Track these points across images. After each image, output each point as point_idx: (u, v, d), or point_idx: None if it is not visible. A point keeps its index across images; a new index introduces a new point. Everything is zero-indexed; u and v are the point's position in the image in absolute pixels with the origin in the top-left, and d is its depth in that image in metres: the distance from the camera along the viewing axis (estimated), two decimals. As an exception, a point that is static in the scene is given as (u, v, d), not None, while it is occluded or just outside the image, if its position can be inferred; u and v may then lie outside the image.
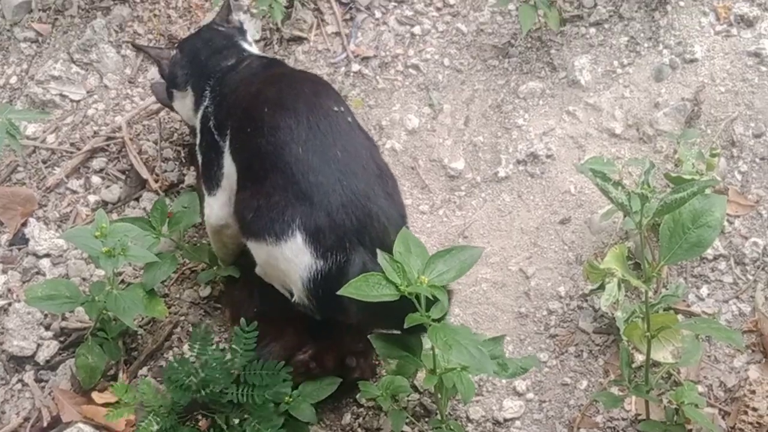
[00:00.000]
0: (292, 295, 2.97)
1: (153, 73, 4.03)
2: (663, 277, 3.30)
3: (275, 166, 2.90)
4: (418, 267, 2.59)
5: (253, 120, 3.03)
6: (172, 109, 3.71)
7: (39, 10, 4.28)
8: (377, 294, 2.54)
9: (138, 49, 3.95)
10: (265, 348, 3.04)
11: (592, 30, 3.85)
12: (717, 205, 2.68)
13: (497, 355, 2.91)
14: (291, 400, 2.99)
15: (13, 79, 4.15)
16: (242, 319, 2.95)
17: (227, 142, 3.16)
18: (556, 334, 3.31)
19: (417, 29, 4.01)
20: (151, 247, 3.24)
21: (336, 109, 3.01)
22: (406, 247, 2.63)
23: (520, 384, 3.22)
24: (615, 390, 3.08)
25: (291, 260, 2.84)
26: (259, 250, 2.95)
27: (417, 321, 2.56)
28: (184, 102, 3.53)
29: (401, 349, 2.85)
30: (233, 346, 2.97)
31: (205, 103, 3.36)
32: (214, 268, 3.41)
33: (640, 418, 3.10)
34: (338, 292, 2.58)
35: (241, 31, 3.63)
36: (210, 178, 3.27)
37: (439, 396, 2.92)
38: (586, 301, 3.34)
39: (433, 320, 2.58)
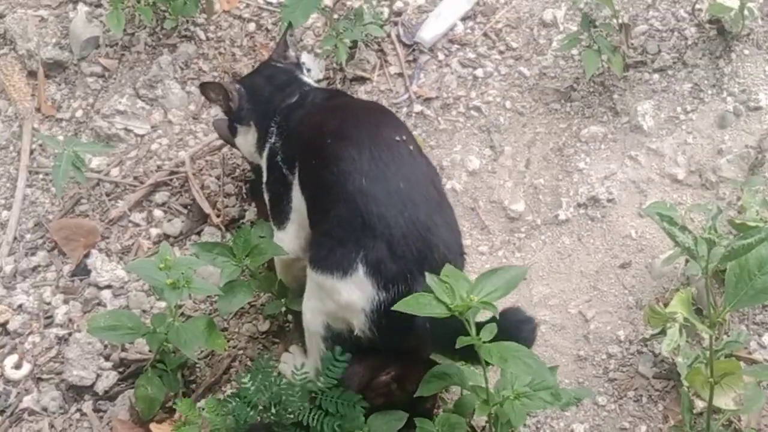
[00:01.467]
0: (351, 330, 2.97)
1: (216, 109, 4.07)
2: (725, 323, 3.28)
3: (338, 197, 2.91)
4: (467, 288, 2.59)
5: (317, 151, 3.06)
6: (233, 145, 3.74)
7: (106, 45, 4.35)
8: (428, 312, 2.55)
9: (206, 87, 3.93)
10: (349, 368, 3.03)
11: (656, 76, 3.85)
12: (784, 253, 2.66)
13: (550, 385, 2.90)
14: None
15: (79, 113, 4.22)
16: (338, 347, 2.95)
17: (296, 176, 3.19)
18: (615, 378, 3.29)
19: (479, 72, 4.03)
20: (231, 275, 3.24)
21: (398, 138, 3.03)
22: (452, 275, 2.63)
23: (578, 427, 3.19)
24: (675, 436, 3.06)
25: (353, 293, 2.86)
26: (324, 283, 2.95)
27: (468, 342, 2.55)
28: (247, 137, 3.56)
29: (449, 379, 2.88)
30: (320, 367, 2.98)
31: (272, 140, 3.39)
32: (282, 300, 3.41)
33: (700, 465, 3.07)
34: (393, 307, 2.60)
35: (299, 67, 3.67)
36: (279, 213, 3.30)
37: (493, 430, 2.91)
38: (646, 345, 3.32)
39: (484, 342, 2.58)
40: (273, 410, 2.96)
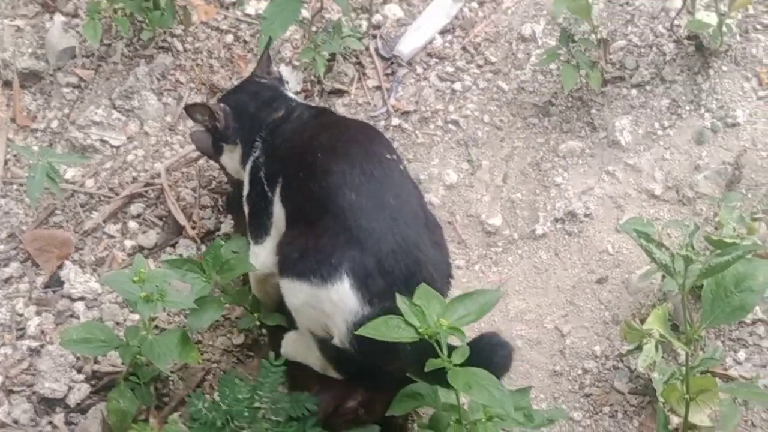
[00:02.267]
0: (331, 337, 2.94)
1: (192, 122, 4.05)
2: (701, 340, 3.27)
3: (327, 209, 2.90)
4: (438, 311, 2.57)
5: (307, 165, 3.04)
6: (211, 157, 3.72)
7: (82, 56, 4.32)
8: (396, 336, 2.53)
9: (191, 109, 3.89)
10: (314, 397, 3.02)
11: (634, 91, 3.85)
12: (761, 270, 2.67)
13: (523, 406, 2.89)
14: None
15: (54, 123, 4.19)
16: (271, 353, 2.94)
17: (277, 190, 3.18)
18: (591, 394, 3.28)
19: (458, 85, 4.03)
20: (202, 291, 3.22)
21: (389, 156, 3.03)
22: (426, 297, 2.62)
23: (554, 443, 3.19)
24: (650, 452, 3.05)
25: (337, 304, 2.83)
26: (298, 290, 2.92)
27: (438, 365, 2.52)
28: (233, 156, 3.54)
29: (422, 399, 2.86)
30: (259, 379, 2.97)
31: (256, 154, 3.37)
32: (255, 314, 3.37)
33: (675, 482, 3.06)
34: (356, 332, 2.59)
35: (281, 81, 3.66)
36: (258, 227, 3.28)
37: (467, 450, 2.90)
38: (622, 361, 3.31)
39: (455, 365, 2.55)
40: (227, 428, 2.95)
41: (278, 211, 3.17)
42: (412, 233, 2.85)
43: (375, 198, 2.87)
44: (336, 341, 2.91)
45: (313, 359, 3.13)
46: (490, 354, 2.66)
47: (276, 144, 3.32)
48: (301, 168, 3.07)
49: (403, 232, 2.83)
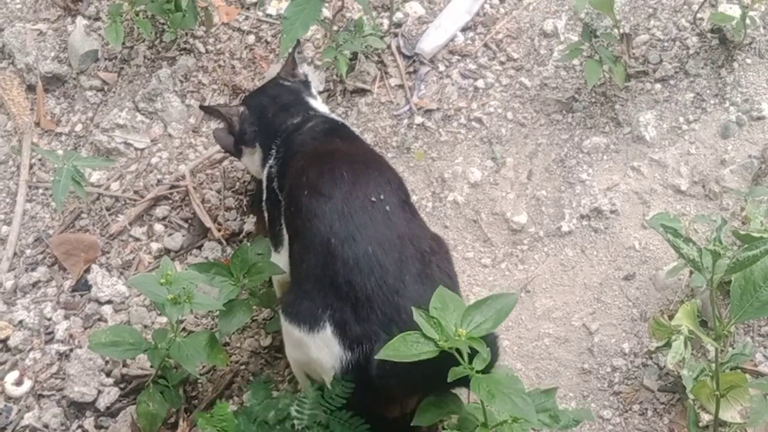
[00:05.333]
0: (323, 383, 2.97)
1: (216, 122, 4.06)
2: (730, 335, 3.26)
3: (309, 252, 2.92)
4: (455, 320, 2.57)
5: (295, 200, 3.06)
6: (234, 155, 3.73)
7: (105, 59, 4.34)
8: (416, 353, 2.52)
9: (206, 111, 3.94)
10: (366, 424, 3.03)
11: (658, 86, 3.83)
12: (790, 264, 2.64)
13: (549, 408, 2.88)
14: None
15: (78, 127, 4.20)
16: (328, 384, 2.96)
17: (283, 209, 3.20)
18: (620, 392, 3.26)
19: (480, 83, 4.01)
20: (230, 294, 3.23)
21: (374, 198, 2.97)
22: (443, 303, 2.60)
23: (583, 442, 3.18)
24: (681, 449, 3.04)
25: (322, 349, 2.85)
26: (291, 331, 2.96)
27: (460, 374, 2.52)
28: (253, 158, 3.56)
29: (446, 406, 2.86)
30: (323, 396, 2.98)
31: (270, 162, 3.39)
32: (283, 317, 3.38)
33: (706, 478, 3.05)
34: (376, 356, 2.60)
35: (306, 85, 3.67)
36: (274, 236, 3.30)
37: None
38: (651, 358, 3.30)
39: (477, 372, 2.55)
40: (278, 428, 2.95)
41: (284, 229, 3.19)
42: (390, 279, 2.82)
43: (353, 246, 2.85)
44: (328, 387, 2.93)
45: None
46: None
47: (286, 157, 3.33)
48: (292, 202, 3.09)
49: (381, 279, 2.81)
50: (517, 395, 2.50)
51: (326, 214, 2.90)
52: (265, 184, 3.42)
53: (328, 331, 2.82)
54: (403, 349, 2.52)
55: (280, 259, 3.26)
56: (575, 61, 3.96)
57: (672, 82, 3.84)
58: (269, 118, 3.52)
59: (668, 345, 3.18)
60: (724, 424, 2.96)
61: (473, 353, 2.54)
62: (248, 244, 3.56)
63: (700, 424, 3.03)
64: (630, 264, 3.50)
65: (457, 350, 2.52)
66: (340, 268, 2.83)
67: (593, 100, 3.89)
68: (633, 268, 3.48)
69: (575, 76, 3.96)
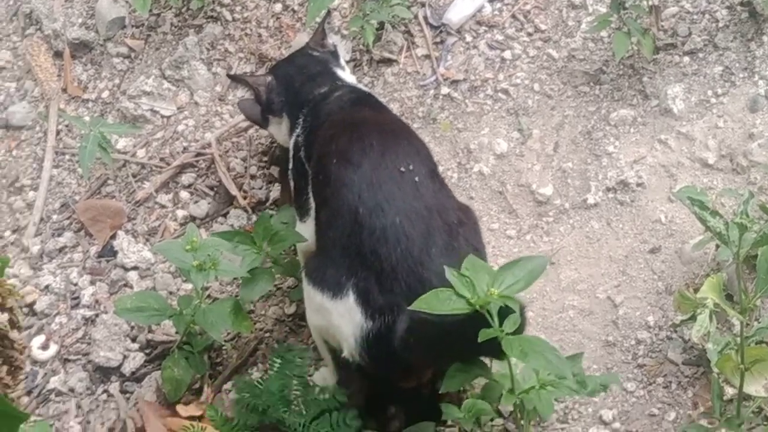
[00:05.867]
0: (341, 350, 2.99)
1: (242, 90, 4.06)
2: (756, 309, 3.25)
3: (337, 220, 2.93)
4: (487, 281, 2.56)
5: (323, 168, 3.06)
6: (260, 125, 3.74)
7: (132, 26, 4.34)
8: (448, 308, 2.52)
9: (233, 79, 3.97)
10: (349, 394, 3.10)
11: (686, 59, 3.81)
12: (817, 238, 2.63)
13: (576, 373, 2.89)
14: None
15: (105, 94, 4.21)
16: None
17: (310, 177, 3.20)
18: (644, 364, 3.26)
19: (507, 54, 3.99)
20: (253, 262, 3.25)
21: (403, 168, 2.98)
22: (473, 267, 2.60)
23: (607, 413, 3.17)
24: (704, 422, 3.03)
25: (344, 316, 2.87)
26: (313, 295, 2.98)
27: (491, 335, 2.51)
28: (280, 128, 3.57)
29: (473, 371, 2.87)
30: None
31: (297, 131, 3.39)
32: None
33: (729, 452, 3.05)
34: (409, 307, 2.58)
35: (335, 55, 3.67)
36: (300, 206, 3.31)
37: (519, 417, 2.90)
38: (676, 331, 3.29)
39: (507, 333, 2.55)
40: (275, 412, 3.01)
41: (311, 198, 3.19)
42: (416, 251, 2.83)
43: (381, 217, 2.86)
44: (345, 354, 2.95)
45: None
46: None
47: (313, 126, 3.33)
48: (320, 170, 3.09)
49: (407, 251, 2.82)
50: (551, 353, 2.51)
51: (355, 183, 2.91)
52: (291, 153, 3.43)
53: (351, 299, 2.84)
54: (435, 303, 2.52)
55: (306, 228, 3.27)
56: (603, 33, 3.93)
57: (701, 55, 3.82)
58: (296, 88, 3.53)
59: (693, 318, 3.17)
60: (748, 397, 2.95)
61: (503, 316, 2.54)
62: (271, 212, 3.57)
63: (724, 398, 3.02)
64: (656, 237, 3.49)
65: (488, 312, 2.52)
66: (366, 238, 2.84)
67: (621, 72, 3.86)
68: (659, 242, 3.47)
69: (603, 48, 3.94)
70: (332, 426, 3.00)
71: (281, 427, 3.05)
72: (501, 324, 2.54)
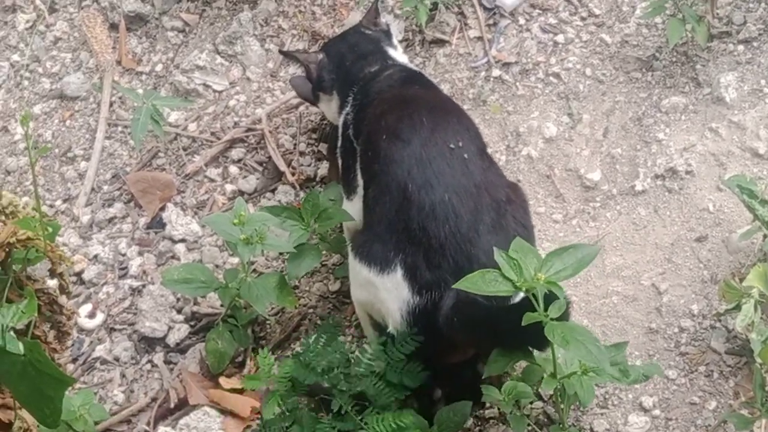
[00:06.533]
0: (386, 326, 2.99)
1: (294, 67, 4.08)
2: (801, 301, 3.23)
3: (385, 196, 2.94)
4: (535, 265, 2.56)
5: (373, 145, 3.07)
6: (311, 103, 3.76)
7: (188, 0, 4.36)
8: (493, 290, 2.52)
9: (285, 55, 4.00)
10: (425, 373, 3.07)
11: (741, 47, 3.78)
12: None
13: (619, 362, 2.89)
14: None
15: (159, 67, 4.25)
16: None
17: (359, 155, 3.21)
18: (687, 353, 3.25)
19: (560, 38, 3.98)
20: (300, 239, 3.27)
21: (452, 145, 2.98)
22: (521, 251, 2.60)
23: (647, 400, 3.17)
24: (745, 412, 3.01)
25: (391, 291, 2.88)
26: (359, 270, 2.98)
27: (535, 319, 2.51)
28: (330, 105, 3.59)
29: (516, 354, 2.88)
30: (385, 348, 3.01)
31: (347, 110, 3.41)
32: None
33: (769, 442, 3.04)
34: (454, 286, 2.59)
35: (388, 35, 3.67)
36: (347, 184, 3.32)
37: (559, 401, 2.90)
38: (720, 320, 3.28)
39: (552, 319, 2.54)
40: (332, 373, 3.00)
41: (359, 175, 3.20)
42: (465, 228, 2.83)
43: (430, 193, 2.86)
44: (390, 329, 2.95)
45: None
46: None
47: (363, 104, 3.34)
48: (369, 147, 3.10)
49: (455, 228, 2.83)
50: (592, 343, 2.50)
51: (404, 159, 2.92)
52: (340, 131, 3.44)
53: (398, 274, 2.85)
54: (481, 284, 2.53)
55: (352, 207, 3.28)
56: (657, 19, 3.91)
57: (755, 44, 3.79)
58: (347, 66, 3.54)
59: (738, 308, 3.15)
60: (790, 389, 2.94)
61: (549, 302, 2.54)
62: (319, 189, 3.59)
63: (767, 388, 3.00)
64: (703, 226, 3.47)
65: (533, 296, 2.52)
66: (415, 214, 2.84)
67: (674, 59, 3.84)
68: (706, 230, 3.45)
69: (657, 34, 3.91)
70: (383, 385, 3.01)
71: (333, 391, 3.05)
72: (546, 309, 2.54)
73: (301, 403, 3.07)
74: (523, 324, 2.50)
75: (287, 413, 3.02)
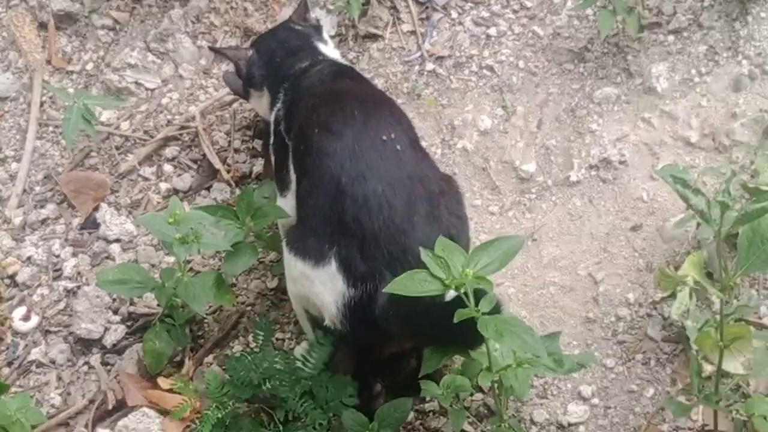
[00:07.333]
0: (323, 319, 2.99)
1: (227, 64, 4.06)
2: (735, 287, 3.26)
3: (318, 189, 2.93)
4: (462, 262, 2.57)
5: (305, 138, 3.06)
6: (244, 98, 3.75)
7: (117, -2, 4.33)
8: (423, 290, 2.52)
9: (215, 52, 3.97)
10: (354, 383, 3.11)
11: (671, 38, 3.82)
12: (797, 218, 2.64)
13: (554, 352, 2.91)
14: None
15: (90, 66, 4.20)
16: (319, 332, 2.99)
17: (290, 150, 3.19)
18: (624, 341, 3.28)
19: (493, 30, 3.99)
20: (235, 237, 3.25)
21: (385, 137, 2.97)
22: (448, 249, 2.60)
23: (586, 389, 3.19)
24: (682, 399, 3.04)
25: (326, 284, 2.87)
26: (294, 264, 2.97)
27: (467, 315, 2.50)
28: (261, 101, 3.58)
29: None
30: (304, 354, 3.01)
31: (278, 106, 3.40)
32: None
33: (707, 428, 3.07)
34: (384, 290, 2.60)
35: (318, 30, 3.66)
36: (281, 180, 3.31)
37: (498, 394, 2.91)
38: (656, 308, 3.31)
39: (484, 313, 2.54)
40: (266, 386, 3.03)
41: (292, 171, 3.19)
42: (398, 219, 2.84)
43: (363, 185, 2.85)
44: (327, 322, 2.96)
45: None
46: None
47: (293, 100, 3.34)
48: (302, 140, 3.09)
49: (389, 219, 2.83)
50: (527, 333, 2.50)
51: (337, 152, 2.91)
52: (272, 127, 3.43)
53: (333, 267, 2.84)
54: (410, 285, 2.53)
55: (286, 203, 3.27)
56: (589, 11, 3.94)
57: (685, 34, 3.82)
58: (277, 62, 3.52)
59: (673, 296, 3.18)
60: (726, 374, 2.95)
61: (479, 297, 2.55)
62: (254, 187, 3.57)
63: (703, 375, 3.03)
64: (637, 215, 3.50)
65: (465, 294, 2.52)
66: (349, 206, 2.83)
67: (606, 50, 3.87)
68: (640, 219, 3.49)
69: (588, 25, 3.94)
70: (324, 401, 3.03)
71: (273, 400, 3.06)
72: (476, 304, 2.54)
73: (241, 408, 3.08)
74: (455, 321, 2.50)
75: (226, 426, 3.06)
